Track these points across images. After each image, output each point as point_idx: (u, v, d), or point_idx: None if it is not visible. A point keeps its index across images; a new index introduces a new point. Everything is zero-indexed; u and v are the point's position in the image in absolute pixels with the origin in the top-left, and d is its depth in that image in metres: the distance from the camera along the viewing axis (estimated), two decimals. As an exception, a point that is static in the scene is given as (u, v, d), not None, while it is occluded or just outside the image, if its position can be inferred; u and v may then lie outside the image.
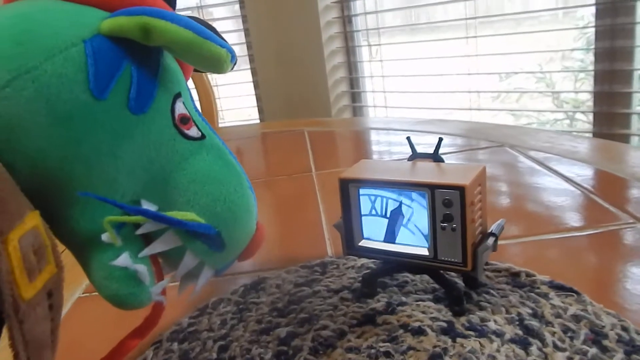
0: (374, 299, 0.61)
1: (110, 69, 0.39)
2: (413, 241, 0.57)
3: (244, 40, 2.88)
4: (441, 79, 2.47)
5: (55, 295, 0.37)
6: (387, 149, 1.33)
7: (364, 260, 0.71)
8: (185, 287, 0.49)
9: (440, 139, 0.60)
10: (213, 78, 2.61)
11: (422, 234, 0.56)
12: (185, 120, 0.46)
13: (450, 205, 0.53)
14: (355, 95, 2.69)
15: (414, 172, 0.57)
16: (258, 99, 2.97)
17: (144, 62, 0.42)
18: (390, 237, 0.59)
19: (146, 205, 0.43)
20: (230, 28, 2.93)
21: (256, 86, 2.94)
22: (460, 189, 0.52)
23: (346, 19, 2.53)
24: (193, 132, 0.46)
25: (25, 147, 0.37)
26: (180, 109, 0.45)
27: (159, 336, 0.60)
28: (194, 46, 0.40)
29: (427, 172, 0.56)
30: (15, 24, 0.38)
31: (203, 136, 0.47)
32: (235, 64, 0.44)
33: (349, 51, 2.61)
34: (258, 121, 2.99)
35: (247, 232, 0.49)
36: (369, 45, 2.59)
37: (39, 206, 0.37)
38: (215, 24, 0.44)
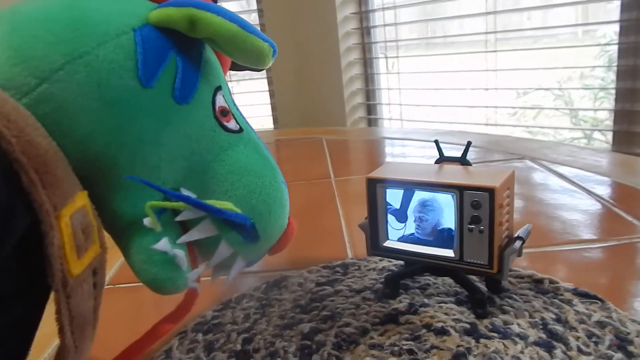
0: (396, 300, 0.62)
1: (158, 58, 0.41)
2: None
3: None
4: (458, 94, 2.47)
5: (99, 274, 0.39)
6: (407, 158, 1.33)
7: (385, 263, 0.72)
8: (217, 276, 0.50)
9: (469, 143, 0.60)
10: (229, 85, 2.62)
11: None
12: (225, 112, 0.47)
13: (478, 207, 0.53)
14: (371, 107, 2.69)
15: (442, 174, 0.57)
16: (273, 109, 2.98)
17: (188, 54, 0.44)
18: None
19: (186, 193, 0.44)
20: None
21: (272, 95, 2.95)
22: (490, 191, 0.52)
23: (364, 31, 2.54)
24: (232, 124, 0.48)
25: (75, 131, 0.39)
26: (220, 101, 0.47)
27: (183, 327, 0.61)
28: (238, 39, 0.42)
29: (455, 174, 0.57)
30: (70, 10, 0.39)
31: (241, 129, 0.49)
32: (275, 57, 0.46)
33: (367, 63, 2.62)
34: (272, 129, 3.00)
35: (279, 225, 0.50)
36: (386, 58, 2.60)
37: (87, 192, 0.38)
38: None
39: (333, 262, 0.74)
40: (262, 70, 0.55)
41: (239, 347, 0.56)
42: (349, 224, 0.91)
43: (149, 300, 0.70)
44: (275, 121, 3.03)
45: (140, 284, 0.43)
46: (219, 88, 0.47)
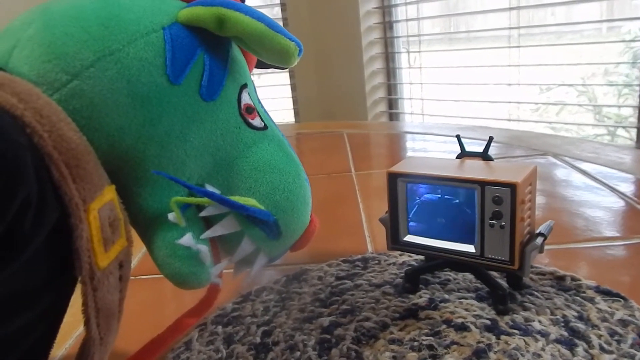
0: (416, 295, 0.62)
1: (186, 56, 0.42)
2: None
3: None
4: (480, 89, 2.45)
5: (125, 267, 0.40)
6: (428, 153, 1.33)
7: (405, 258, 0.72)
8: (240, 272, 0.51)
9: (491, 138, 0.60)
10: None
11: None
12: (250, 110, 0.48)
13: (500, 203, 0.53)
14: (392, 101, 2.68)
15: (463, 169, 0.57)
16: (295, 102, 2.98)
17: (215, 52, 0.44)
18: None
19: (210, 189, 0.45)
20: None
21: (293, 89, 2.95)
22: (512, 187, 0.52)
23: (387, 25, 2.53)
24: (257, 122, 0.48)
25: (105, 126, 0.39)
26: (246, 99, 0.48)
27: (203, 319, 0.61)
28: (265, 38, 0.42)
29: (476, 169, 0.56)
30: (102, 8, 0.40)
31: (266, 127, 0.49)
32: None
33: (388, 57, 2.61)
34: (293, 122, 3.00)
35: (302, 222, 0.51)
36: (408, 52, 2.59)
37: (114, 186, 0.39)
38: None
39: (353, 256, 0.74)
40: (287, 68, 0.56)
41: (258, 339, 0.56)
42: (369, 218, 0.91)
43: (170, 292, 0.71)
44: (296, 114, 3.03)
45: (162, 275, 0.44)
46: (244, 86, 0.48)
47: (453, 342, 0.52)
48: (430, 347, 0.52)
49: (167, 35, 0.41)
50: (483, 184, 0.53)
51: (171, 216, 0.42)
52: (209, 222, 0.46)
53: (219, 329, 0.59)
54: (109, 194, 0.37)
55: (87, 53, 0.38)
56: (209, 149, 0.45)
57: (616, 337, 0.51)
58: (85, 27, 0.39)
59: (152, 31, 0.41)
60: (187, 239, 0.42)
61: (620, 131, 2.58)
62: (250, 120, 0.48)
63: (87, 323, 0.36)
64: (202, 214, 0.44)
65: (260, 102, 0.51)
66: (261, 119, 0.49)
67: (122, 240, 0.39)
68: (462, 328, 0.54)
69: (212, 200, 0.43)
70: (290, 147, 0.52)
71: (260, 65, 0.54)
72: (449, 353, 0.51)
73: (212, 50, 0.44)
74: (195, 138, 0.43)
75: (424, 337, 0.54)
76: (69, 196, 0.33)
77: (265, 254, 0.49)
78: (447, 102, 2.56)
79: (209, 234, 0.45)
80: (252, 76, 0.51)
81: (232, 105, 0.46)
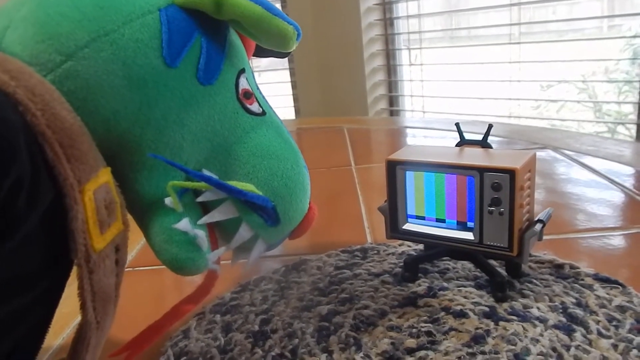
0: (415, 283, 0.62)
1: (183, 38, 0.41)
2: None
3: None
4: (481, 86, 2.45)
5: (122, 251, 0.39)
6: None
7: (404, 247, 0.72)
8: (238, 259, 0.51)
9: (490, 126, 0.60)
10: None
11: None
12: (248, 95, 0.47)
13: (499, 189, 0.53)
14: (393, 98, 2.68)
15: (462, 156, 0.57)
16: (295, 100, 2.98)
17: (213, 36, 0.44)
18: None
19: (208, 175, 0.45)
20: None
21: (294, 86, 2.95)
22: (511, 173, 0.52)
23: (388, 22, 2.53)
24: (255, 107, 0.48)
25: (101, 108, 0.39)
26: (244, 84, 0.47)
27: (201, 308, 0.61)
28: (263, 21, 0.42)
29: (475, 157, 0.56)
30: None
31: (264, 112, 0.49)
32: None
33: (389, 54, 2.61)
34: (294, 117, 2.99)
35: (300, 208, 0.50)
36: (409, 49, 2.58)
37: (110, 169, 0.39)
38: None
39: (352, 246, 0.74)
40: (286, 56, 0.56)
41: (256, 327, 0.56)
42: (369, 210, 0.91)
43: (170, 283, 0.71)
44: (297, 112, 3.03)
45: (161, 266, 0.43)
46: (242, 71, 0.47)
47: (451, 329, 0.52)
48: (429, 333, 0.52)
49: (163, 17, 0.40)
50: (482, 170, 0.53)
51: (168, 201, 0.42)
52: (206, 208, 0.45)
53: (218, 317, 0.59)
54: (105, 176, 0.37)
55: (82, 33, 0.38)
56: (207, 133, 0.44)
57: (614, 323, 0.51)
58: (79, 7, 0.38)
59: (148, 12, 0.40)
60: (184, 224, 0.42)
61: (620, 128, 2.58)
62: (248, 106, 0.47)
63: (83, 306, 0.35)
64: (200, 199, 0.44)
65: (258, 88, 0.51)
66: (259, 104, 0.49)
67: (118, 223, 0.38)
68: (461, 315, 0.54)
69: (209, 184, 0.43)
70: (289, 134, 0.51)
71: (259, 52, 0.53)
72: (447, 339, 0.51)
73: (209, 34, 0.43)
74: (192, 122, 0.43)
75: (423, 324, 0.54)
76: (64, 176, 0.33)
77: (264, 241, 0.49)
78: (448, 100, 2.56)
79: (206, 219, 0.44)
80: (253, 74, 0.51)
81: (230, 90, 0.46)
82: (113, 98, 0.39)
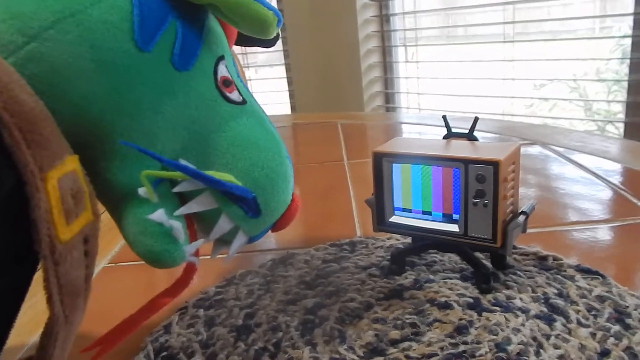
0: (402, 276, 0.62)
1: (156, 21, 0.40)
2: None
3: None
4: (475, 85, 2.46)
5: (91, 242, 0.37)
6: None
7: (392, 241, 0.72)
8: (218, 251, 0.49)
9: (476, 118, 0.60)
10: (246, 74, 2.62)
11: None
12: (227, 83, 0.46)
13: (483, 181, 0.53)
14: (389, 95, 2.68)
15: (448, 148, 0.57)
16: (291, 96, 2.98)
17: (189, 20, 0.42)
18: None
19: (185, 164, 0.43)
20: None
21: (290, 82, 2.96)
22: (495, 164, 0.52)
23: (384, 19, 2.53)
24: (234, 96, 0.46)
25: (68, 93, 0.37)
26: (222, 71, 0.45)
27: (184, 303, 0.61)
28: (241, 6, 0.41)
29: (461, 149, 0.56)
30: None
31: (244, 101, 0.47)
32: (280, 28, 0.45)
33: (385, 51, 2.61)
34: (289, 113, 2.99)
35: (282, 200, 0.49)
36: (405, 46, 2.59)
37: (79, 159, 0.37)
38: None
39: (341, 240, 0.74)
40: (270, 45, 0.55)
41: (240, 322, 0.56)
42: (359, 204, 0.91)
43: (155, 278, 0.71)
44: (292, 108, 3.03)
45: (143, 262, 0.42)
46: (221, 58, 0.46)
47: (436, 320, 0.53)
48: (413, 324, 0.52)
49: None
50: (467, 162, 0.53)
51: (141, 191, 0.40)
52: (184, 200, 0.44)
53: (201, 312, 0.59)
54: (72, 163, 0.35)
55: (46, 13, 0.36)
56: (183, 121, 0.43)
57: (593, 312, 0.52)
58: None
59: None
60: (158, 215, 0.40)
61: (609, 127, 2.60)
62: (228, 94, 0.45)
63: (49, 300, 0.33)
64: (176, 189, 0.42)
65: (239, 77, 0.50)
66: (239, 93, 0.47)
67: (87, 213, 0.36)
68: (445, 306, 0.55)
69: (185, 174, 0.41)
70: (271, 124, 0.50)
71: (243, 41, 0.53)
72: (431, 330, 0.51)
73: (185, 18, 0.42)
74: (167, 110, 0.41)
75: (408, 316, 0.54)
76: (23, 163, 0.31)
77: (244, 233, 0.47)
78: (443, 97, 2.56)
79: (183, 210, 0.42)
80: (248, 70, 0.49)
81: (208, 77, 0.44)
82: (81, 82, 0.37)
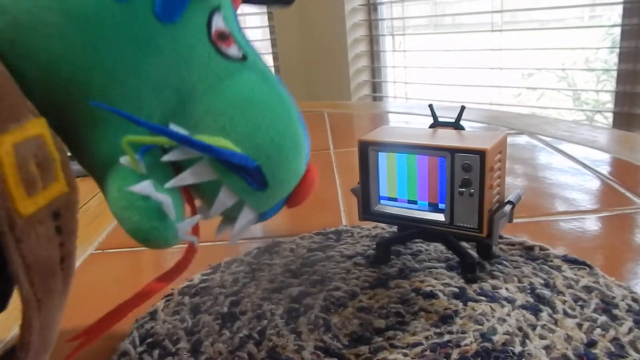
0: (387, 265, 0.61)
1: None
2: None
3: (267, 23, 2.88)
4: (463, 74, 2.46)
5: (65, 216, 0.33)
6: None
7: (378, 230, 0.72)
8: (223, 229, 0.43)
9: (463, 107, 0.60)
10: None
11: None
12: (224, 36, 0.40)
13: (469, 170, 0.52)
14: (376, 85, 2.68)
15: (435, 137, 0.57)
16: (278, 84, 2.96)
17: None
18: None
19: (175, 129, 0.37)
20: (253, 10, 2.93)
21: (277, 71, 2.94)
22: (481, 153, 0.51)
23: (371, 7, 2.52)
24: (233, 51, 0.40)
25: (35, 51, 0.33)
26: (218, 23, 0.39)
27: (170, 290, 0.61)
28: None
29: (447, 138, 0.56)
30: None
31: (245, 57, 0.41)
32: None
33: (372, 40, 2.60)
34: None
35: (293, 169, 0.42)
36: (393, 35, 2.58)
37: (58, 126, 0.33)
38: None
39: (327, 229, 0.74)
40: (290, 3, 0.49)
41: (225, 309, 0.56)
42: (345, 193, 0.91)
43: (141, 265, 0.70)
44: (279, 97, 3.00)
45: (136, 247, 0.38)
46: (217, 8, 0.39)
47: (421, 309, 0.52)
48: (398, 314, 0.52)
49: None
50: (453, 151, 0.53)
51: (124, 159, 0.35)
52: (180, 171, 0.38)
53: (186, 299, 0.59)
54: (36, 128, 0.31)
55: None
56: (171, 81, 0.37)
57: (580, 303, 0.51)
58: None
59: None
60: (143, 186, 0.34)
61: (598, 117, 2.60)
62: (224, 48, 0.39)
63: (17, 281, 0.30)
64: (165, 158, 0.36)
65: (241, 30, 0.43)
66: (239, 47, 0.41)
67: (58, 184, 0.32)
68: (431, 296, 0.54)
69: (171, 139, 0.35)
70: (279, 82, 0.43)
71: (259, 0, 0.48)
72: (416, 319, 0.51)
73: None
74: (152, 68, 0.36)
75: (393, 305, 0.53)
76: None
77: (251, 209, 0.41)
78: (430, 87, 2.56)
79: (174, 182, 0.37)
80: (236, 13, 0.43)
81: (200, 31, 0.38)
82: (49, 38, 0.33)
